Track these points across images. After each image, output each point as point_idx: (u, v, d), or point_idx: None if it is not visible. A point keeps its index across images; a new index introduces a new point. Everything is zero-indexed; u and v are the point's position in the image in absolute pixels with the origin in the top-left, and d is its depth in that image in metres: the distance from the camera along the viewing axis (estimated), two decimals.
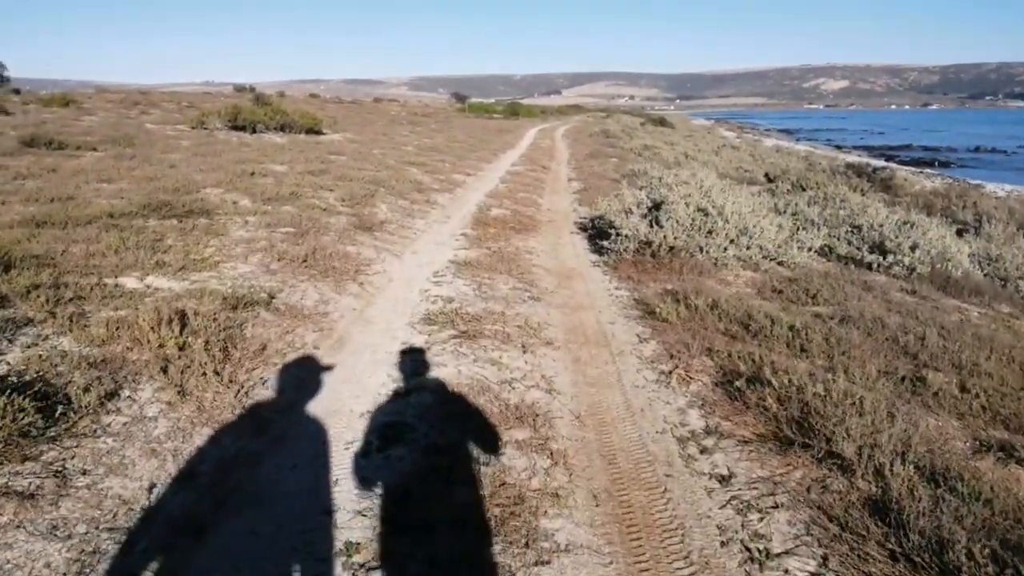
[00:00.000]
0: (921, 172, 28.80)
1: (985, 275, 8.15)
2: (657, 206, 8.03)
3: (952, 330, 5.35)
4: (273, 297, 5.06)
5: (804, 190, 15.90)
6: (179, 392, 3.40)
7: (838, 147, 57.12)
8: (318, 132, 21.05)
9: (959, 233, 10.59)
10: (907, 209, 14.62)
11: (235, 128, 19.39)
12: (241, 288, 5.12)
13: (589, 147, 25.80)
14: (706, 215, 7.67)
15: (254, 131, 19.23)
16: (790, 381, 3.76)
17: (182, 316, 4.16)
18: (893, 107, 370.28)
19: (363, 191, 10.12)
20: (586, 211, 11.27)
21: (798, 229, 8.46)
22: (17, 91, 37.87)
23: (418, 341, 4.69)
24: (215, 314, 4.38)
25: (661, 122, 59.42)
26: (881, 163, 28.37)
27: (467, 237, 8.42)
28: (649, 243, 7.34)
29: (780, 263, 7.57)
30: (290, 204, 8.53)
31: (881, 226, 8.44)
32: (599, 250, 7.95)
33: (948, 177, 27.58)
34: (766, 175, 21.67)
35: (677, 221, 7.43)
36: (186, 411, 3.32)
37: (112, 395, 3.30)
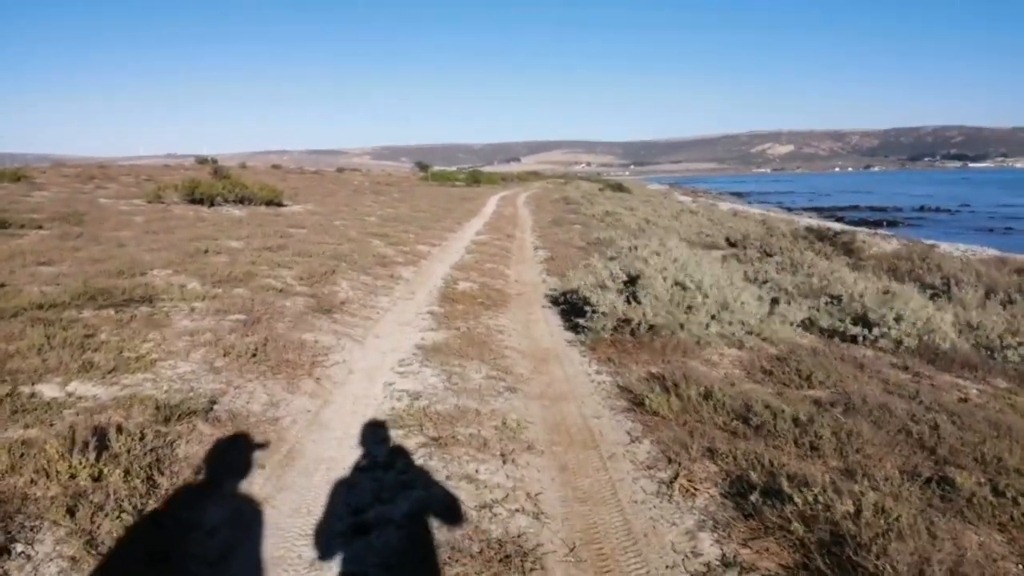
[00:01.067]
0: (875, 233, 29.28)
1: (972, 345, 7.88)
2: (633, 280, 7.64)
3: (963, 416, 4.95)
4: (215, 402, 4.45)
5: (770, 255, 15.82)
6: (88, 543, 2.76)
7: (789, 209, 58.50)
8: (279, 204, 20.56)
9: (931, 298, 10.43)
10: (874, 273, 14.60)
11: (193, 202, 18.80)
12: (178, 393, 4.50)
13: (551, 214, 25.70)
14: (684, 289, 7.29)
15: (212, 204, 18.66)
16: (815, 498, 3.27)
17: (102, 435, 3.54)
18: (837, 169, 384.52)
19: (323, 268, 9.58)
20: (555, 282, 10.86)
21: (776, 301, 8.14)
22: None
23: (381, 453, 4.11)
24: (143, 429, 3.76)
25: (619, 187, 60.33)
26: (840, 226, 28.77)
27: (434, 315, 7.90)
28: (628, 321, 6.90)
29: (763, 338, 7.19)
30: (243, 286, 7.94)
31: (862, 296, 8.17)
32: (574, 327, 7.49)
33: (902, 238, 28.08)
34: (727, 239, 21.71)
35: (656, 297, 7.03)
36: (93, 567, 2.68)
37: (0, 553, 2.66)
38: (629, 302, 7.06)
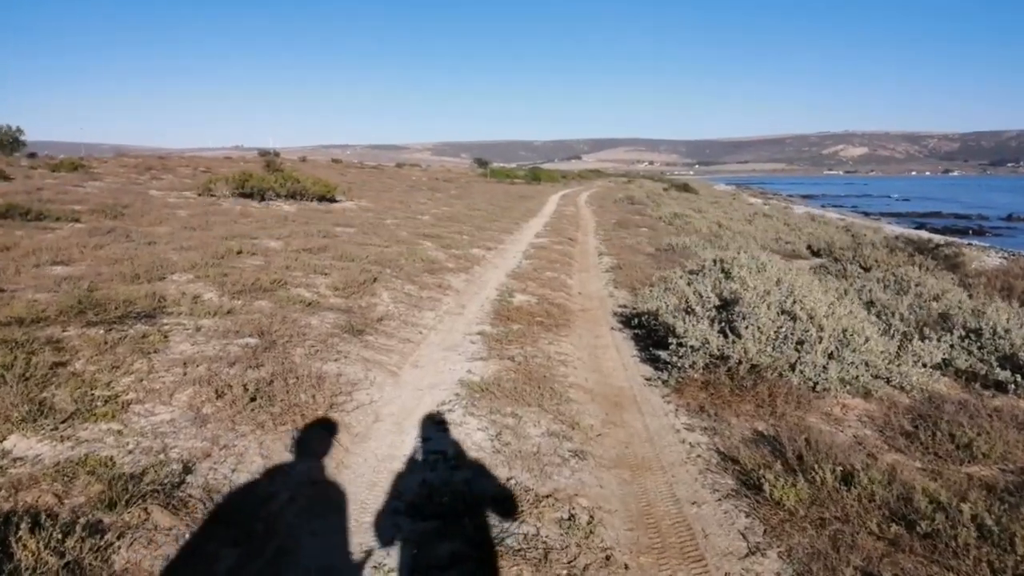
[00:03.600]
0: (969, 244, 26.82)
1: None
2: (727, 304, 6.30)
3: None
4: (189, 471, 3.36)
5: (866, 269, 14.15)
6: None
7: (866, 214, 55.44)
8: (331, 200, 19.76)
9: None
10: (986, 294, 12.82)
11: (243, 195, 18.13)
12: (145, 455, 3.42)
13: (615, 215, 24.30)
14: (794, 320, 5.92)
15: (263, 199, 17.95)
16: None
17: (3, 541, 2.46)
18: (914, 173, 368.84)
19: (364, 275, 8.50)
20: (624, 296, 9.57)
21: (908, 336, 6.68)
22: (33, 155, 37.43)
23: (400, 562, 2.93)
24: (76, 520, 2.68)
25: (685, 188, 58.29)
26: (940, 237, 26.48)
27: (485, 337, 6.72)
28: (723, 358, 5.58)
29: (893, 385, 5.77)
30: (268, 297, 6.91)
31: (1007, 331, 6.64)
32: (653, 360, 6.20)
33: (999, 249, 25.65)
34: (809, 247, 20.00)
35: (759, 328, 5.68)
36: None
37: None
38: (725, 334, 5.72)
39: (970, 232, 45.47)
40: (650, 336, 6.92)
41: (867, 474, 3.72)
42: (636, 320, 7.52)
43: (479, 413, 4.64)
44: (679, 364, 5.64)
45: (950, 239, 26.69)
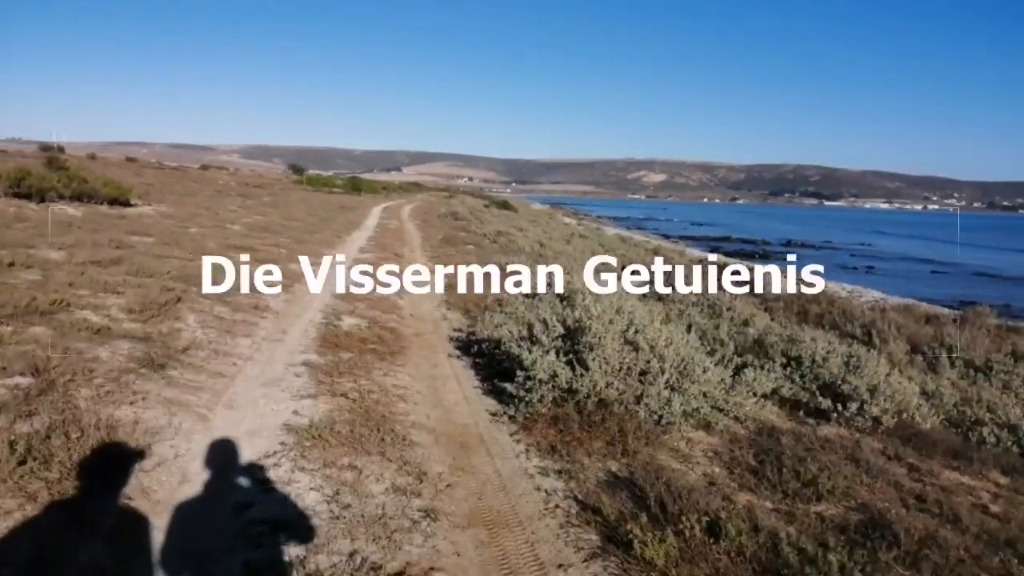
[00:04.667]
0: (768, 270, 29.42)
1: (941, 422, 6.91)
2: (571, 333, 6.09)
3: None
4: None
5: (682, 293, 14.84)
6: None
7: (666, 236, 59.59)
8: (126, 204, 17.68)
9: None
10: (786, 317, 13.91)
11: (18, 196, 15.72)
12: None
13: (441, 231, 23.99)
14: (636, 350, 5.82)
15: (43, 200, 15.65)
16: None
17: None
18: (706, 200, 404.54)
19: (165, 295, 7.44)
20: (459, 318, 9.20)
21: (743, 366, 6.85)
22: None
23: None
24: None
25: (505, 205, 59.45)
26: (739, 264, 28.73)
27: (311, 369, 6.03)
28: (572, 391, 5.35)
29: (727, 413, 5.84)
30: (45, 322, 5.75)
31: (825, 360, 7.03)
32: (496, 391, 5.85)
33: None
34: (623, 269, 20.80)
35: (605, 360, 5.51)
36: None
37: None
38: (572, 366, 5.49)
39: (757, 256, 50.21)
40: (491, 364, 6.58)
41: (733, 524, 3.57)
42: (475, 347, 7.15)
43: (311, 467, 4.00)
44: (526, 399, 5.33)
45: (748, 264, 29.11)
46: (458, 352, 7.39)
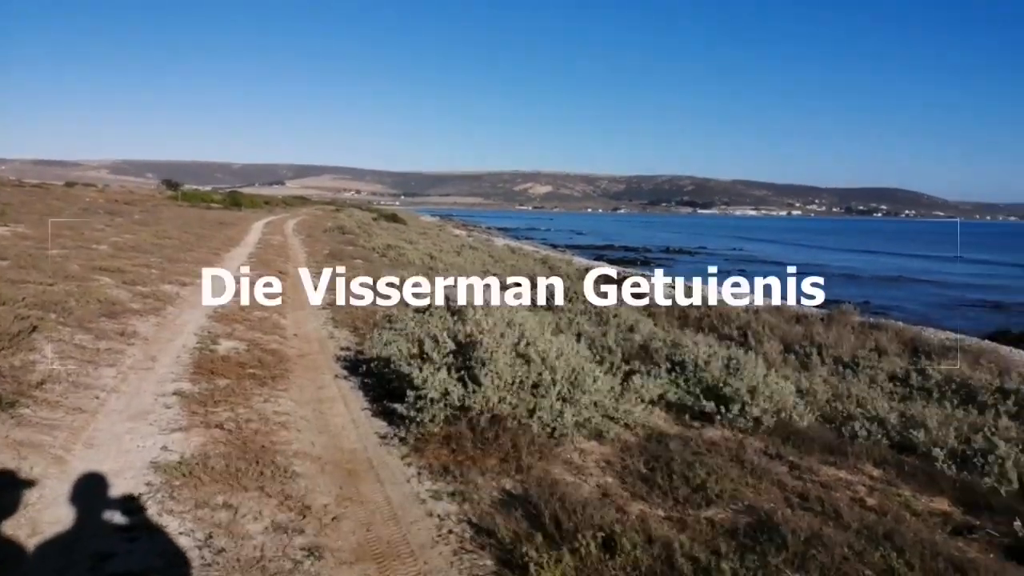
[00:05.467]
0: (644, 275, 30.36)
1: (817, 419, 7.26)
2: (463, 348, 5.97)
3: (907, 546, 3.90)
4: None
5: (569, 301, 15.04)
6: None
7: (554, 246, 60.73)
8: None
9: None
10: (668, 322, 14.35)
11: None
12: None
13: (327, 245, 23.31)
14: (527, 363, 5.78)
15: None
16: None
17: None
18: (589, 210, 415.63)
19: (18, 324, 6.76)
20: (346, 336, 8.91)
21: (631, 373, 6.95)
22: None
23: None
24: None
25: (394, 218, 58.64)
26: (628, 270, 29.57)
27: (183, 399, 5.62)
28: (465, 408, 5.23)
29: (617, 421, 5.89)
30: None
31: (707, 363, 7.24)
32: (386, 413, 5.65)
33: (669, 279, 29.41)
34: (514, 280, 20.92)
35: (498, 375, 5.43)
36: None
37: None
38: (465, 383, 5.38)
39: (638, 263, 51.93)
40: (381, 384, 6.36)
41: (627, 537, 3.54)
42: (364, 366, 6.91)
43: (181, 509, 3.68)
44: (418, 419, 5.16)
45: (628, 270, 30.00)
46: (346, 372, 7.12)
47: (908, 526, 4.36)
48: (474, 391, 5.28)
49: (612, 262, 45.83)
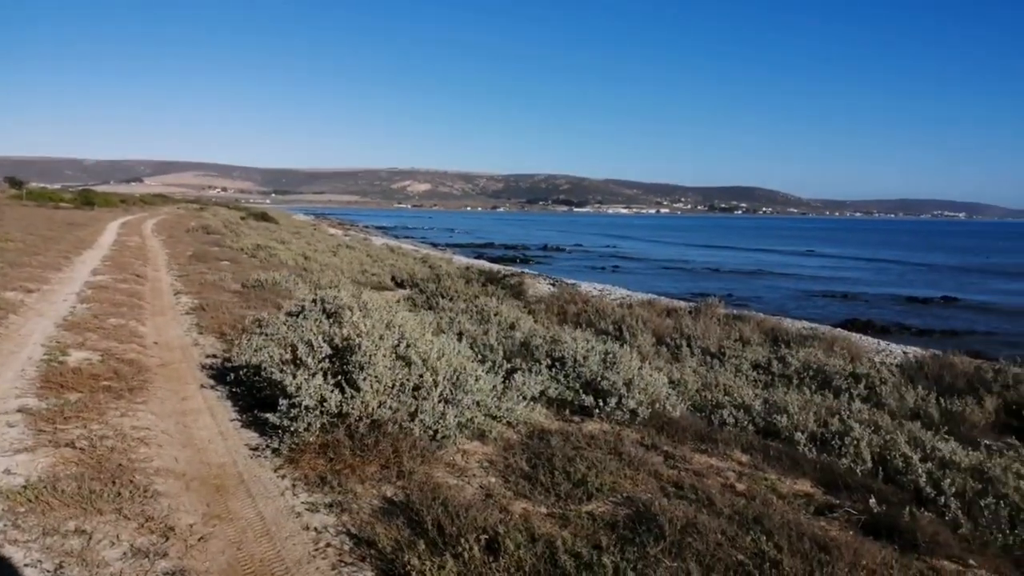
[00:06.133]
0: (523, 272, 30.77)
1: (689, 408, 7.55)
2: (340, 352, 5.77)
3: (766, 521, 4.11)
4: None
5: (450, 299, 14.99)
6: None
7: (434, 245, 60.58)
8: None
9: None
10: (547, 318, 14.58)
11: None
12: None
13: (190, 246, 22.10)
14: (408, 365, 5.66)
15: None
16: None
17: None
18: (468, 208, 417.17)
19: None
20: (213, 343, 8.44)
21: (513, 371, 6.96)
22: None
23: None
24: None
25: (264, 217, 56.43)
26: (509, 268, 29.78)
27: (28, 417, 5.11)
28: (343, 415, 5.04)
29: (496, 419, 5.89)
30: None
31: (586, 358, 7.38)
32: (257, 424, 5.38)
33: (547, 277, 29.99)
34: (393, 279, 20.73)
35: (377, 379, 5.28)
36: None
37: None
38: (342, 388, 5.19)
39: (518, 261, 52.61)
40: (252, 393, 6.05)
41: (511, 537, 3.53)
42: (232, 375, 6.56)
43: (27, 538, 3.32)
44: (292, 428, 4.93)
45: (509, 268, 30.30)
46: (212, 382, 6.73)
47: (775, 509, 4.59)
48: (352, 396, 5.11)
49: (492, 260, 46.23)
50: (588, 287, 25.79)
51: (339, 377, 5.36)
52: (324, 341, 5.85)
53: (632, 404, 6.63)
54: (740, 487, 5.27)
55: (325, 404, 5.04)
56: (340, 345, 5.82)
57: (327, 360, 5.68)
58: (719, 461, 5.90)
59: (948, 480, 5.31)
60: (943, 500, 5.10)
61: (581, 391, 6.92)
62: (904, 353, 14.22)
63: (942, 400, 8.86)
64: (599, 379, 7.00)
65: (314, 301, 8.38)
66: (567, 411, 6.80)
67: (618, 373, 7.08)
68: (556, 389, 7.07)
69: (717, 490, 4.93)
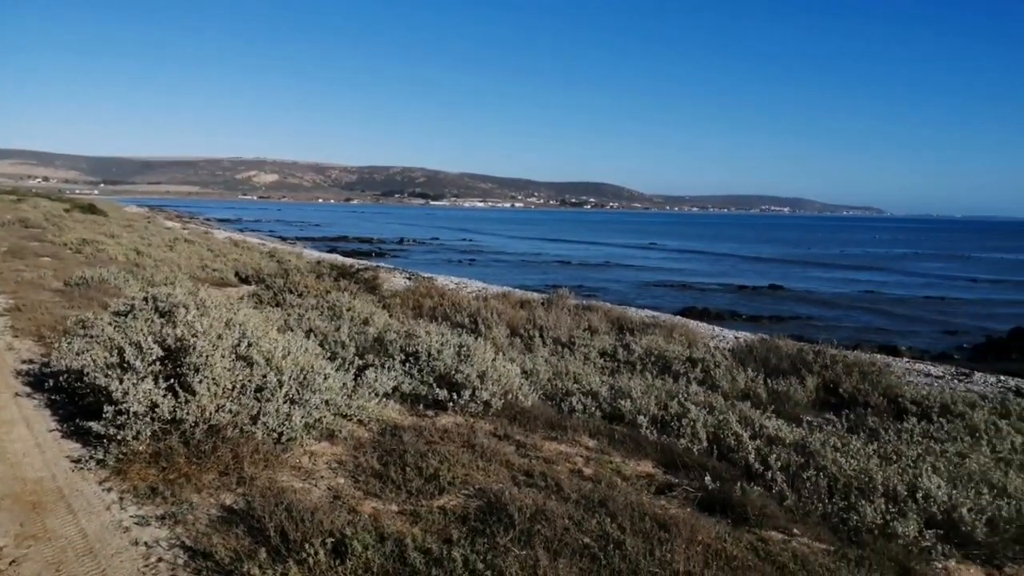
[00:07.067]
0: (378, 266, 30.28)
1: (541, 397, 7.72)
2: (173, 354, 5.40)
3: (618, 510, 4.29)
4: None
5: (299, 296, 14.47)
6: None
7: (283, 239, 58.38)
8: None
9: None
10: (403, 312, 14.42)
11: None
12: None
13: (4, 241, 19.94)
14: (250, 365, 5.40)
15: None
16: None
17: None
18: (320, 201, 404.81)
19: None
20: (30, 347, 7.68)
21: (364, 367, 6.80)
22: None
23: None
24: None
25: (91, 209, 51.86)
26: (362, 262, 29.10)
27: None
28: (177, 421, 4.73)
29: (346, 417, 5.75)
30: None
31: (440, 352, 7.35)
32: (81, 433, 4.94)
33: (403, 271, 29.69)
34: (237, 274, 19.81)
35: (215, 381, 4.98)
36: None
37: None
38: (175, 392, 4.86)
39: (373, 254, 51.83)
40: (74, 401, 5.55)
41: (359, 539, 3.45)
42: (51, 381, 5.98)
43: None
44: (119, 437, 4.57)
45: (364, 262, 29.69)
46: (29, 389, 6.11)
47: (619, 491, 4.79)
48: (187, 400, 4.80)
49: (346, 254, 45.15)
50: (445, 280, 25.76)
51: (172, 380, 5.02)
52: (155, 342, 5.45)
53: (486, 396, 6.69)
54: (588, 471, 5.46)
55: (157, 410, 4.71)
56: (174, 346, 5.45)
57: (159, 363, 5.30)
58: (568, 447, 6.08)
59: (774, 456, 5.76)
60: (770, 475, 5.52)
61: (435, 385, 6.90)
62: (736, 338, 15.27)
63: (769, 381, 9.59)
64: (453, 372, 7.02)
65: (145, 299, 7.82)
66: (421, 406, 6.77)
67: (472, 366, 7.12)
68: (410, 384, 7.00)
69: (566, 476, 5.09)
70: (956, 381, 12.99)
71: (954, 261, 66.99)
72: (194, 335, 5.40)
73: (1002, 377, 13.67)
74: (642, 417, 7.01)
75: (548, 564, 3.45)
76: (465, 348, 7.57)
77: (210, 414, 4.81)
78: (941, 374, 13.74)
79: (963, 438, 7.06)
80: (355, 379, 6.26)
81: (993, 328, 24.99)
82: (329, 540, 3.41)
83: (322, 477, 4.68)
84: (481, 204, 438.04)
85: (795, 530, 4.70)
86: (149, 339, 5.50)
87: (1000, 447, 6.89)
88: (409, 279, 23.80)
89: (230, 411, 4.91)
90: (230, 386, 5.09)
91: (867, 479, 5.30)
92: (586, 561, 3.62)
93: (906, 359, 16.77)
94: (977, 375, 13.75)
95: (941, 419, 7.86)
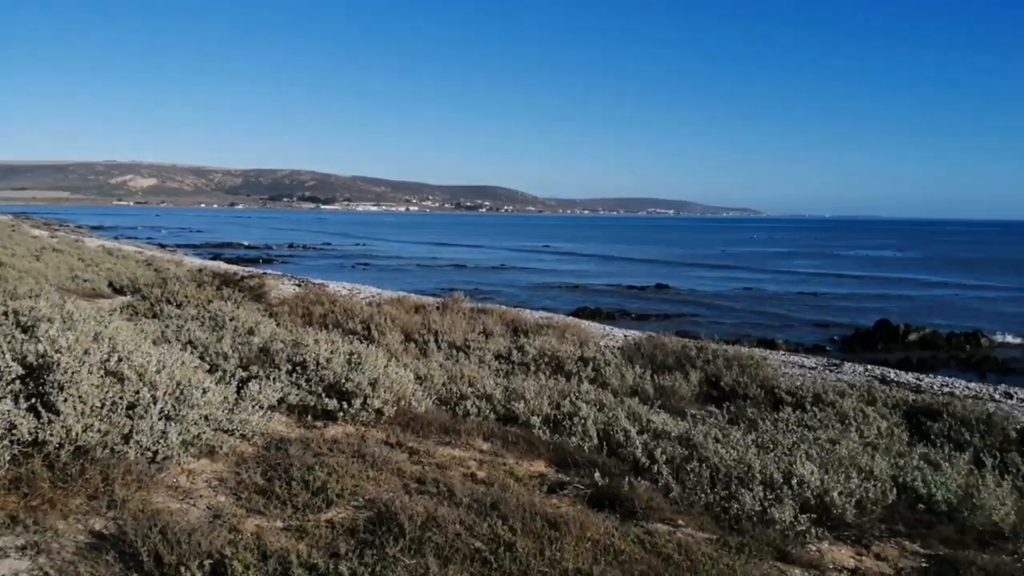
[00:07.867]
0: (265, 273, 29.28)
1: (435, 403, 7.68)
2: (34, 372, 5.00)
3: (510, 512, 4.31)
4: None
5: (179, 306, 13.79)
6: None
7: (162, 246, 55.62)
8: None
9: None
10: (291, 321, 14.00)
11: None
12: None
13: None
14: (121, 381, 5.08)
15: None
16: None
17: None
18: (203, 206, 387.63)
19: None
20: None
21: (247, 380, 6.53)
22: None
23: None
24: None
25: None
26: (244, 269, 27.95)
27: None
28: (39, 443, 4.38)
29: (228, 432, 5.52)
30: None
31: (329, 361, 7.17)
32: None
33: (292, 277, 28.86)
34: (110, 285, 18.75)
35: (81, 399, 4.66)
36: None
37: None
38: (37, 412, 4.51)
39: (261, 261, 50.11)
40: None
41: (239, 559, 3.31)
42: None
43: None
44: None
45: (250, 269, 28.63)
46: None
47: (512, 492, 4.82)
48: (51, 421, 4.46)
49: (232, 261, 43.49)
50: (337, 286, 25.23)
51: (33, 400, 4.65)
52: (14, 360, 5.04)
53: (378, 403, 6.59)
54: (481, 475, 5.47)
55: (15, 432, 4.35)
56: (36, 363, 5.06)
57: (18, 381, 4.90)
58: (462, 451, 6.07)
59: (660, 449, 5.96)
60: (656, 468, 5.71)
61: (324, 395, 6.73)
62: (625, 336, 15.77)
63: (656, 377, 9.94)
64: (344, 381, 6.86)
65: (5, 314, 7.21)
66: (309, 417, 6.58)
67: (364, 373, 6.99)
68: (297, 395, 6.79)
69: (459, 481, 5.08)
70: (827, 371, 13.92)
71: (824, 258, 71.78)
72: (57, 351, 5.03)
73: (868, 366, 14.78)
74: (535, 418, 7.10)
75: (438, 571, 3.43)
76: (356, 356, 7.42)
77: (76, 434, 4.48)
78: (814, 365, 14.69)
79: (834, 425, 7.56)
80: (238, 392, 6.00)
81: (860, 321, 26.94)
82: (207, 562, 3.25)
83: (201, 496, 4.46)
84: (375, 208, 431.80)
85: (680, 521, 4.88)
86: (7, 356, 5.08)
87: (867, 432, 7.43)
88: (299, 286, 23.17)
89: (99, 430, 4.60)
90: (99, 404, 4.76)
91: (746, 468, 5.57)
92: (477, 565, 3.62)
93: (782, 352, 17.83)
94: (847, 365, 14.79)
95: (814, 408, 8.39)
